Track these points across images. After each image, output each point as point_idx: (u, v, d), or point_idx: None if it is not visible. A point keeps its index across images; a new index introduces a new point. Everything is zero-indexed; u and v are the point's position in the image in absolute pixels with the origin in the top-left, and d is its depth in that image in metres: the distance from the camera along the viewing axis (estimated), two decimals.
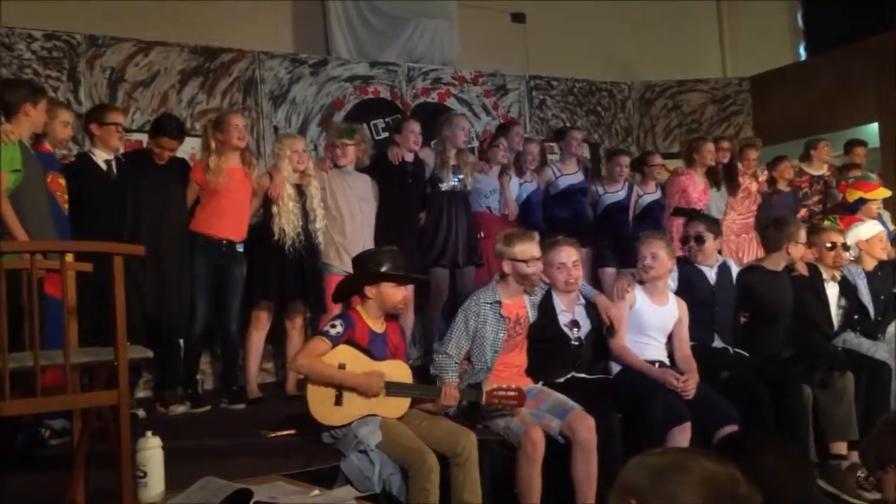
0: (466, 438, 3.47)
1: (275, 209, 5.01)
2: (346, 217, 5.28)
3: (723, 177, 6.76)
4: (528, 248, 3.94)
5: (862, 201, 5.80)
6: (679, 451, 1.56)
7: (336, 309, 5.02)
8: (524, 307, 4.07)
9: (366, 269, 3.74)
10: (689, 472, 1.48)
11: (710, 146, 6.70)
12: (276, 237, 4.96)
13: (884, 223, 6.30)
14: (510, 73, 8.25)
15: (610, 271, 6.22)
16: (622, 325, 4.21)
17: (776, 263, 4.86)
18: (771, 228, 4.99)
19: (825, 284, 4.99)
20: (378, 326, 3.73)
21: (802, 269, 4.95)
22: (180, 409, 4.85)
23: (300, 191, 5.11)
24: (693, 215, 5.60)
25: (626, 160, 6.60)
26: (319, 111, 7.16)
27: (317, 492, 2.85)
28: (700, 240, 4.67)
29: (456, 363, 3.92)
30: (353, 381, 3.52)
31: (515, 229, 4.37)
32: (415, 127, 5.67)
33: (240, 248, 5.04)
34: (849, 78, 8.37)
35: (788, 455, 1.82)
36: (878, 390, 4.63)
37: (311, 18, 7.79)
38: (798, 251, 4.83)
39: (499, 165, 6.08)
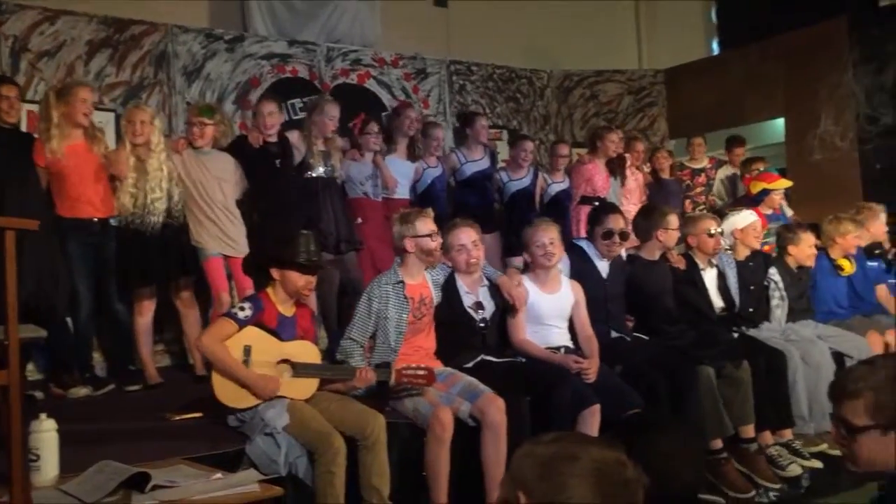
0: (375, 421, 3.46)
1: (116, 184, 4.85)
2: (207, 198, 5.10)
3: (617, 168, 6.95)
4: (428, 223, 4.01)
5: (765, 192, 5.96)
6: (567, 440, 1.54)
7: (224, 290, 5.05)
8: (428, 287, 4.09)
9: (273, 252, 3.70)
10: (576, 461, 1.47)
11: (614, 136, 6.94)
12: (115, 212, 4.82)
13: (784, 214, 6.55)
14: (431, 57, 8.24)
15: (518, 260, 6.26)
16: (523, 307, 4.22)
17: (651, 252, 4.89)
18: (639, 218, 5.02)
19: (702, 272, 5.04)
20: (287, 310, 3.69)
21: (675, 260, 4.97)
22: (82, 391, 4.71)
23: (143, 167, 4.88)
24: (602, 205, 5.68)
25: (529, 146, 6.66)
26: (235, 88, 7.02)
27: (219, 475, 2.80)
28: (625, 236, 4.66)
29: (361, 346, 3.92)
30: (251, 379, 3.47)
31: (408, 209, 4.32)
32: (267, 108, 5.43)
33: (114, 223, 4.87)
34: (759, 73, 8.63)
35: (681, 439, 1.86)
36: (777, 377, 4.77)
37: None
38: (669, 237, 4.86)
39: (371, 153, 5.96)
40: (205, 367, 4.94)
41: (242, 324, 3.52)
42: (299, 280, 3.66)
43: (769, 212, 6.26)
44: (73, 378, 4.75)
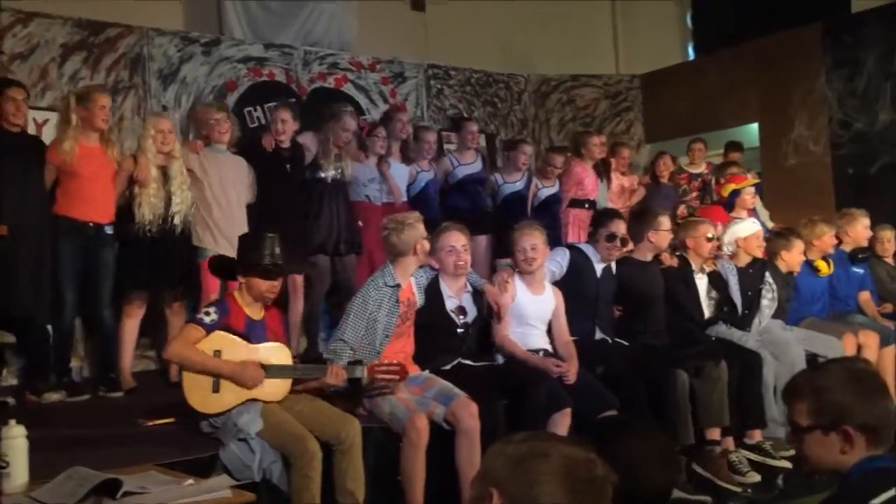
0: (350, 425, 3.46)
1: (136, 191, 4.84)
2: (221, 199, 5.13)
3: (602, 171, 7.01)
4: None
5: (736, 193, 6.07)
6: (539, 438, 1.57)
7: (214, 293, 4.98)
8: (413, 291, 4.11)
9: (238, 255, 3.69)
10: (547, 459, 1.50)
11: (597, 139, 7.04)
12: (136, 221, 4.81)
13: (759, 218, 6.62)
14: (408, 61, 8.22)
15: (506, 261, 6.30)
16: (507, 315, 4.26)
17: (644, 254, 4.98)
18: (632, 221, 5.15)
19: (694, 276, 5.14)
20: (255, 313, 3.67)
21: (668, 261, 5.06)
22: (55, 396, 4.65)
23: (164, 173, 4.93)
24: (606, 209, 5.71)
25: (528, 149, 6.72)
26: (211, 92, 6.97)
27: (190, 481, 2.78)
28: (625, 241, 4.77)
29: (352, 349, 3.89)
30: (229, 369, 3.45)
31: (403, 215, 4.31)
32: (281, 115, 5.49)
33: (109, 231, 4.84)
34: (733, 79, 8.69)
35: (652, 440, 1.87)
36: (751, 378, 4.82)
37: None
38: (661, 238, 4.94)
39: (376, 156, 6.00)
40: (178, 373, 4.92)
41: (209, 328, 3.50)
42: (262, 284, 3.62)
43: (743, 215, 6.31)
44: (47, 384, 4.69)
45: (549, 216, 6.47)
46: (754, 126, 8.75)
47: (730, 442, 4.70)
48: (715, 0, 9.58)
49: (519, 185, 6.59)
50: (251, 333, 3.60)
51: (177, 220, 4.94)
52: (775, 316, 5.46)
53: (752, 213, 6.36)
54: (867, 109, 7.74)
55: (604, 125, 9.22)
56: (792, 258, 5.56)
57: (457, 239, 4.20)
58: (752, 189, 6.18)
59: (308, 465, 3.25)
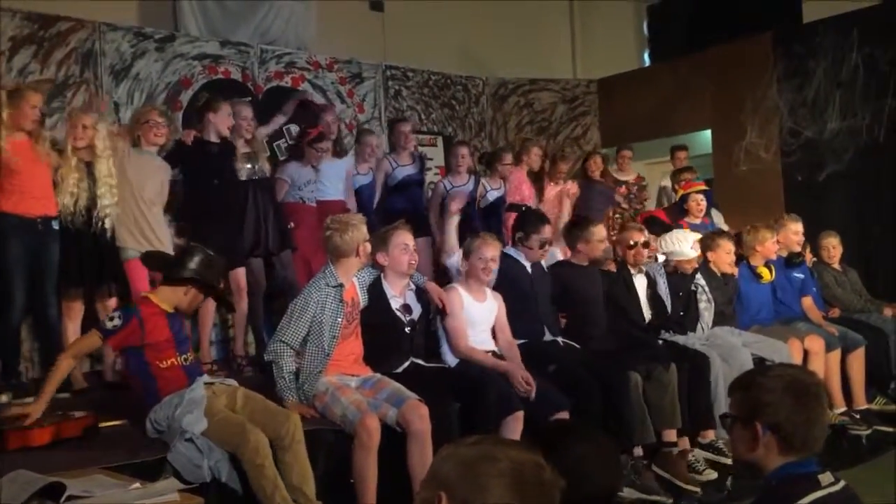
0: (290, 420, 3.45)
1: (58, 178, 4.74)
2: (139, 197, 5.01)
3: (534, 180, 7.16)
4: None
5: (685, 199, 6.19)
6: (488, 442, 1.58)
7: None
8: (356, 291, 4.12)
9: (174, 270, 3.73)
10: (496, 462, 1.50)
11: (537, 149, 7.20)
12: (58, 212, 4.71)
13: (713, 223, 6.75)
14: (366, 62, 8.20)
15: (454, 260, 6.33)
16: (455, 309, 4.30)
17: (580, 259, 5.08)
18: (564, 230, 5.30)
19: (633, 277, 5.22)
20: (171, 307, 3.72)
21: (608, 265, 5.16)
22: (2, 398, 4.54)
23: (88, 169, 4.83)
24: (538, 214, 5.76)
25: (463, 150, 6.71)
26: (165, 89, 6.87)
27: (137, 485, 2.74)
28: (549, 243, 4.88)
29: (292, 350, 3.89)
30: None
31: (347, 216, 4.31)
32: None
33: (55, 226, 4.73)
34: (687, 86, 8.82)
35: (595, 443, 1.89)
36: (699, 380, 4.90)
37: None
38: (590, 248, 5.01)
39: (309, 164, 5.98)
40: (113, 372, 4.90)
41: (107, 335, 3.56)
42: (192, 297, 3.76)
43: (697, 221, 6.43)
44: None
45: (495, 218, 6.55)
46: (707, 132, 8.89)
47: (685, 442, 4.77)
48: (671, 9, 9.71)
49: (468, 188, 6.61)
50: (174, 327, 3.64)
51: (107, 224, 4.84)
52: (724, 322, 5.55)
53: (707, 218, 6.48)
54: (816, 118, 7.93)
55: (561, 129, 9.30)
56: (719, 258, 5.65)
57: (408, 238, 4.24)
58: (700, 196, 6.29)
59: (256, 452, 3.23)
